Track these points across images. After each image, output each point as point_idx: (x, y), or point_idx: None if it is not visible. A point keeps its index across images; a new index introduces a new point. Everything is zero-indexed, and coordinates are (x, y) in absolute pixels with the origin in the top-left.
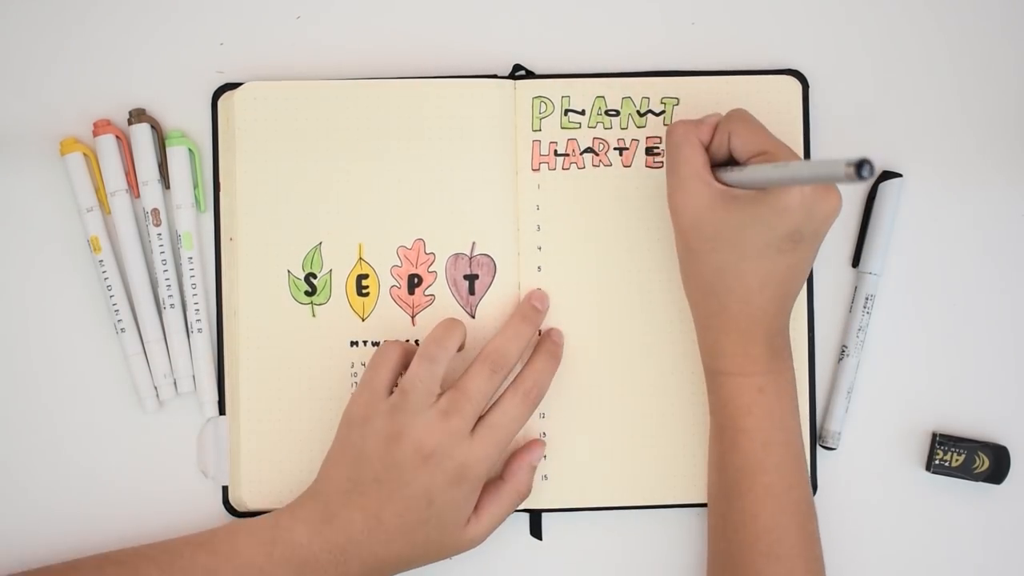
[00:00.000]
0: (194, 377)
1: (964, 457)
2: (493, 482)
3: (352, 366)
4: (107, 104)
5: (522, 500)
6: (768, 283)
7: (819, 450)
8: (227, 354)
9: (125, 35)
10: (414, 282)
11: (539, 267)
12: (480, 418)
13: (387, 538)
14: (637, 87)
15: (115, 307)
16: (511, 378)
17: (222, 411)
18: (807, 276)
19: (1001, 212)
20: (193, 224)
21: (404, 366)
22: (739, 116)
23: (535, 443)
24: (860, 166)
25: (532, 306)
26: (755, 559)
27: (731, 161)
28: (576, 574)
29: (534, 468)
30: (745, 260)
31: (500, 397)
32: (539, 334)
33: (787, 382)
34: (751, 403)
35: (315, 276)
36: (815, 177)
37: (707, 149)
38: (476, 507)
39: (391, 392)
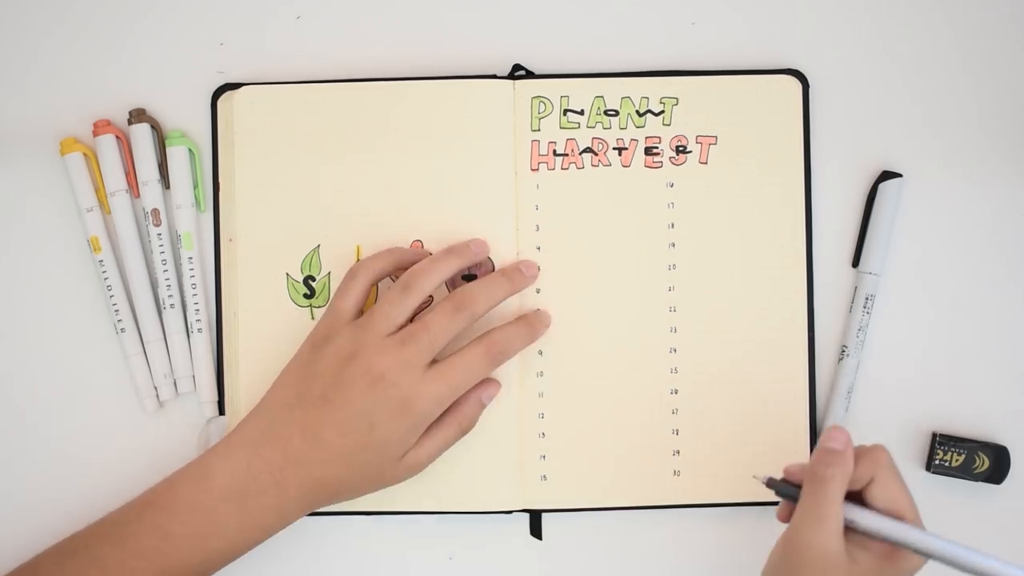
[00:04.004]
0: (194, 377)
1: (964, 457)
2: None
3: None
4: (107, 104)
5: (463, 433)
6: None
7: None
8: (227, 355)
9: (125, 35)
10: None
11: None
12: (440, 361)
13: (325, 458)
14: (636, 87)
15: (115, 307)
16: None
17: (222, 411)
18: None
19: (1001, 211)
20: (193, 224)
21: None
22: (889, 464)
23: (489, 381)
24: None
25: (516, 267)
26: None
27: (856, 495)
28: (576, 574)
29: (483, 405)
30: None
31: (464, 347)
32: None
33: None
34: None
35: (314, 279)
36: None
37: None
38: (418, 440)
39: (358, 316)
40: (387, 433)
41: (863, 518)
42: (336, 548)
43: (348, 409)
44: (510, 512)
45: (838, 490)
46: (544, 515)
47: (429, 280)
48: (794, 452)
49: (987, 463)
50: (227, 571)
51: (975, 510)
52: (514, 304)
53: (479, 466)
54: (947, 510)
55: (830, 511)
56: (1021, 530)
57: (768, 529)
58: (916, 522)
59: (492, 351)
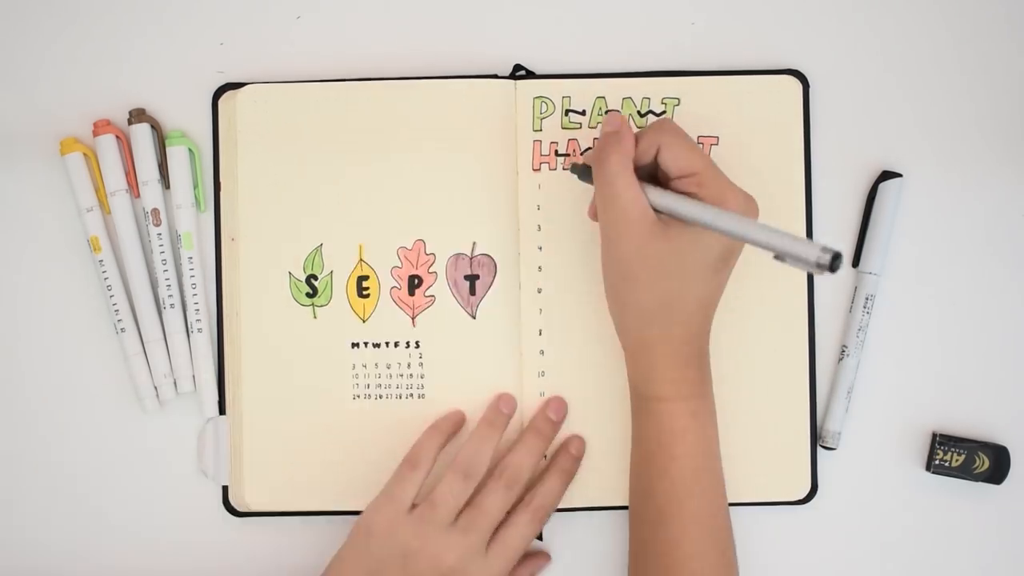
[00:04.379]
0: (194, 377)
1: (964, 457)
2: None
3: (353, 367)
4: (107, 104)
5: None
6: (704, 304)
7: (819, 450)
8: (229, 355)
9: (125, 35)
10: (414, 283)
11: (540, 267)
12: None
13: None
14: (638, 87)
15: (115, 307)
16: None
17: (222, 411)
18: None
19: (1001, 211)
20: (193, 224)
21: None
22: (669, 129)
23: (540, 556)
24: (833, 260)
25: (547, 418)
26: None
27: (653, 172)
28: (576, 574)
29: (547, 560)
30: (687, 284)
31: (512, 513)
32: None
33: (712, 406)
34: (684, 428)
35: (316, 278)
36: (783, 252)
37: None
38: None
39: (414, 505)
40: None
41: (652, 195)
42: (336, 548)
43: None
44: None
45: (619, 165)
46: None
47: (483, 461)
48: (794, 452)
49: (987, 463)
50: (227, 567)
51: (975, 510)
52: (515, 301)
53: None
54: (947, 510)
55: (618, 184)
56: (1021, 530)
57: (768, 529)
58: (706, 172)
59: (538, 515)
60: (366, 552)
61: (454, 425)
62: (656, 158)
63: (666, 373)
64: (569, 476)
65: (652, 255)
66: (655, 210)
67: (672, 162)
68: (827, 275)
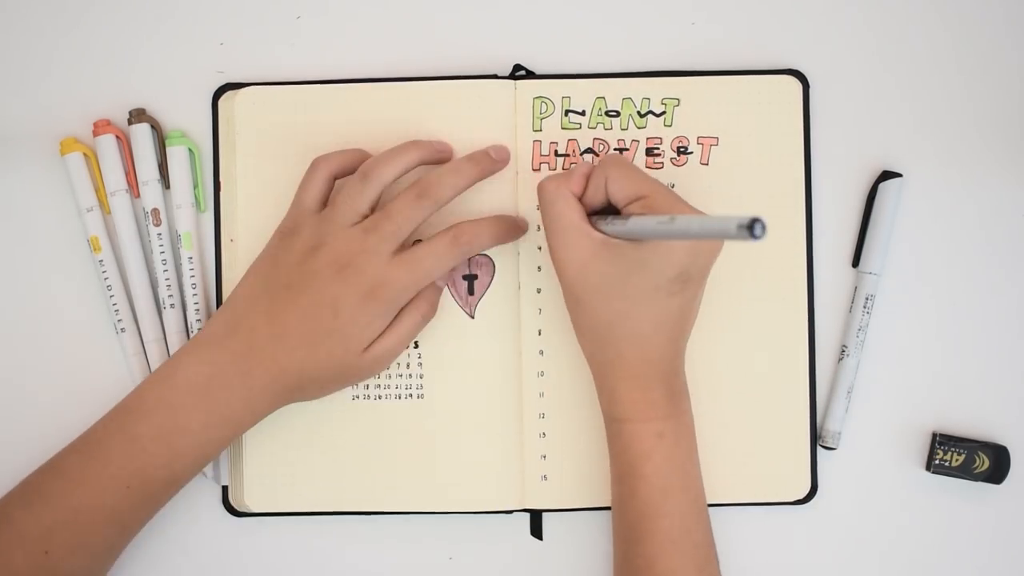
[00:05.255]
0: None
1: (964, 457)
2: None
3: None
4: (107, 104)
5: (426, 321)
6: (661, 326)
7: (819, 450)
8: None
9: (125, 35)
10: None
11: (539, 267)
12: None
13: (290, 345)
14: (638, 87)
15: (115, 307)
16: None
17: None
18: (697, 313)
19: (1001, 211)
20: (193, 224)
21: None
22: (613, 161)
23: (432, 288)
24: (752, 225)
25: (485, 151)
26: None
27: (610, 207)
28: (576, 574)
29: (441, 289)
30: (636, 306)
31: (432, 237)
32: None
33: (686, 425)
34: (650, 449)
35: None
36: (705, 233)
37: (582, 199)
38: (382, 332)
39: (322, 208)
40: (352, 319)
41: (609, 227)
42: (336, 548)
43: (313, 296)
44: (510, 512)
45: (557, 190)
46: (544, 515)
47: (388, 169)
48: (794, 452)
49: (987, 463)
50: (227, 567)
51: (975, 510)
52: (514, 301)
53: (479, 466)
54: (947, 510)
55: (557, 206)
56: (1021, 530)
57: (768, 529)
58: (655, 195)
59: (460, 240)
60: (270, 252)
61: (367, 154)
62: (607, 194)
63: (627, 395)
64: (506, 227)
65: (595, 276)
66: (613, 236)
67: (619, 192)
68: (754, 241)
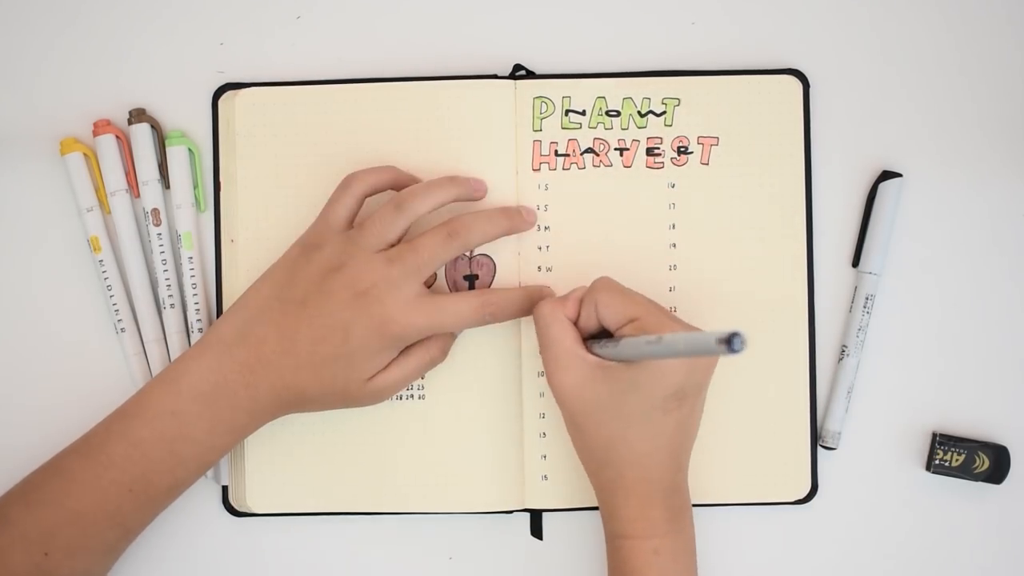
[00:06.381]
0: None
1: (964, 457)
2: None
3: None
4: (107, 104)
5: (433, 365)
6: (659, 445)
7: (819, 450)
8: None
9: (125, 35)
10: None
11: (539, 267)
12: (434, 295)
13: (296, 363)
14: (638, 87)
15: (115, 307)
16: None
17: None
18: (698, 427)
19: (1001, 211)
20: (193, 224)
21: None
22: (603, 286)
23: (446, 338)
24: (731, 340)
25: (517, 208)
26: None
27: (603, 331)
28: (576, 574)
29: (453, 338)
30: (632, 427)
31: (460, 293)
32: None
33: (684, 542)
34: (646, 564)
35: None
36: (689, 351)
37: (576, 323)
38: (387, 365)
39: (350, 227)
40: (360, 348)
41: (602, 350)
42: (336, 548)
43: (326, 318)
44: (510, 512)
45: (552, 314)
46: (544, 515)
47: (423, 203)
48: (794, 452)
49: (987, 463)
50: (227, 567)
51: (975, 510)
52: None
53: (479, 466)
54: (947, 510)
55: (553, 330)
56: (1021, 530)
57: (768, 529)
58: (646, 316)
59: (487, 309)
60: (289, 262)
61: (401, 174)
62: (599, 319)
63: (625, 512)
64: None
65: (591, 399)
66: (606, 359)
67: (611, 316)
68: (733, 355)
